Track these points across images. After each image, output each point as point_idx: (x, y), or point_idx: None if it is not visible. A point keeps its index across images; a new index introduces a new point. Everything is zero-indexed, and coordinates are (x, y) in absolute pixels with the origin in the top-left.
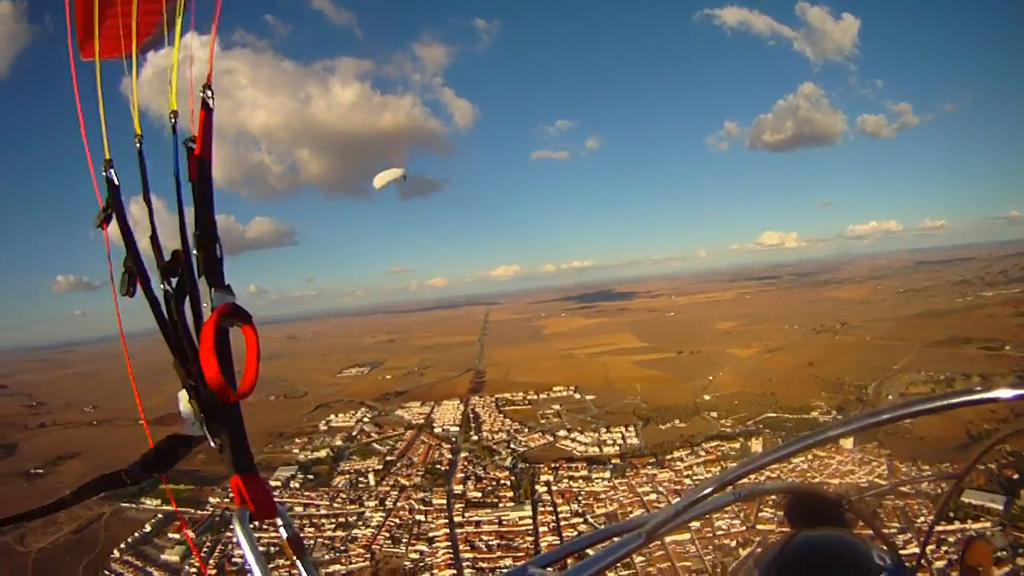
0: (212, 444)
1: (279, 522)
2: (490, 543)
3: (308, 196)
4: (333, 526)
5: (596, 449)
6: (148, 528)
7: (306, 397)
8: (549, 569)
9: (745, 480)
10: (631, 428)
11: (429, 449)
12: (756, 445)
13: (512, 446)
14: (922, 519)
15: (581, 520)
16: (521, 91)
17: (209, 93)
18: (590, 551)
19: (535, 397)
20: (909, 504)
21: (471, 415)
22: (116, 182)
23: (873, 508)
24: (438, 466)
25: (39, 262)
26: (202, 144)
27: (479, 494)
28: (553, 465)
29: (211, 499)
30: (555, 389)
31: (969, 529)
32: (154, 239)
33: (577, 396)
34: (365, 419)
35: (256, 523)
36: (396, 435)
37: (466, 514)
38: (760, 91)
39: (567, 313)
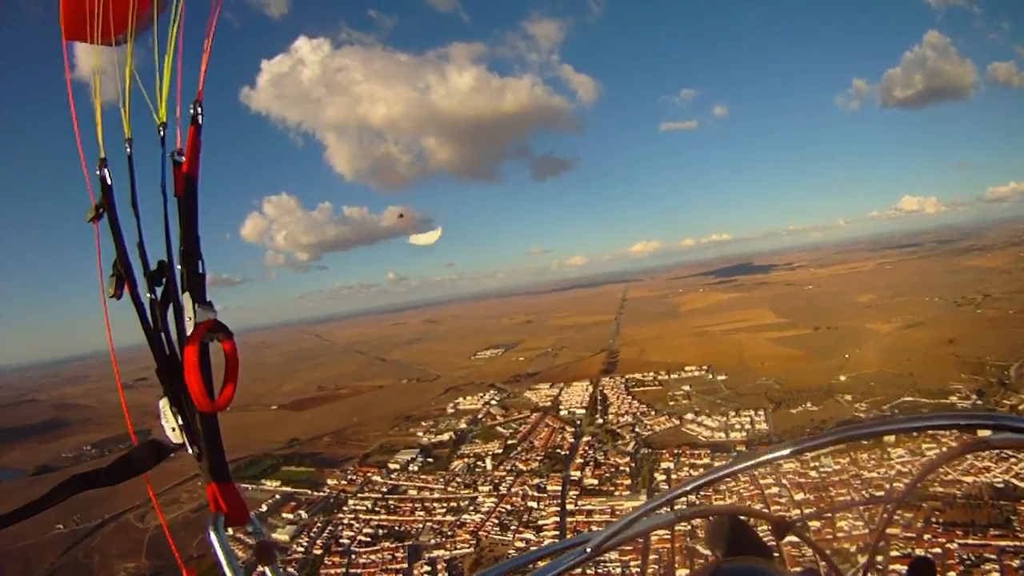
0: (190, 451)
1: (250, 529)
2: None
3: (439, 183)
4: (444, 510)
5: (722, 435)
6: (264, 508)
7: (438, 380)
8: None
9: (694, 498)
10: (760, 412)
11: (552, 433)
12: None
13: (637, 430)
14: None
15: None
16: (640, 62)
17: (199, 109)
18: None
19: (666, 377)
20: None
21: (599, 397)
22: (109, 182)
23: (807, 532)
24: (558, 451)
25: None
26: (190, 161)
27: (596, 481)
28: (676, 451)
29: (329, 481)
30: (687, 369)
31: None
32: (141, 247)
33: (709, 376)
34: (493, 402)
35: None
36: (521, 418)
37: (579, 502)
38: (885, 43)
39: (705, 288)
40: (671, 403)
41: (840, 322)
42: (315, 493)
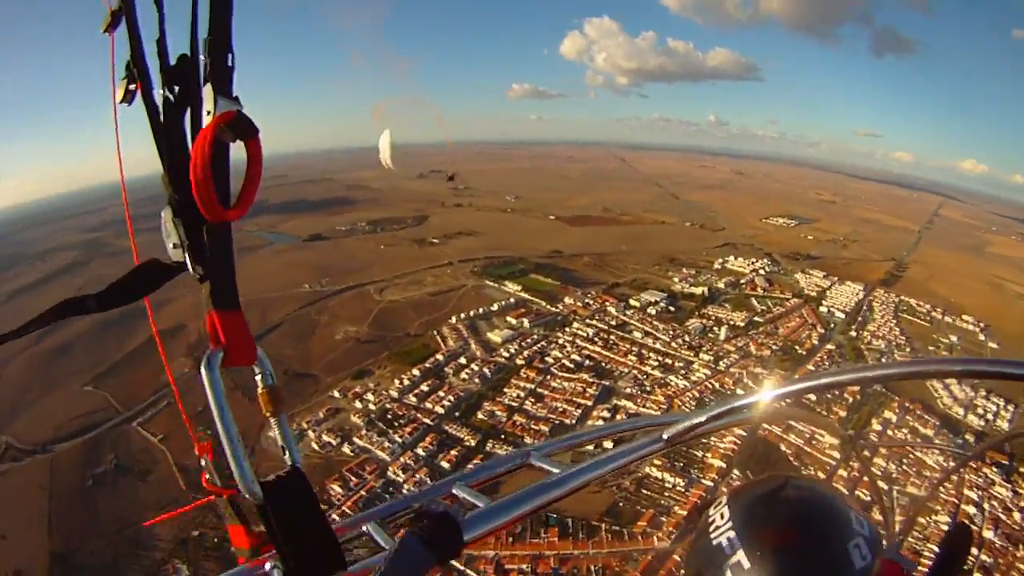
0: (191, 272)
1: (257, 370)
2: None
3: (771, 30)
4: (655, 364)
5: (960, 411)
6: (495, 307)
7: (721, 232)
8: (554, 458)
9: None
10: (1015, 407)
11: (801, 325)
12: None
13: (884, 360)
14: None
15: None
16: None
17: None
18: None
19: (939, 316)
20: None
21: (865, 306)
22: None
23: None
24: (796, 347)
25: (497, 71)
26: None
27: (813, 398)
28: (907, 405)
29: (566, 299)
30: (964, 317)
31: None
32: (161, 41)
33: (981, 337)
34: (761, 271)
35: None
36: (780, 298)
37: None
38: None
39: (1019, 237)
40: (931, 348)
41: None
42: (547, 306)
